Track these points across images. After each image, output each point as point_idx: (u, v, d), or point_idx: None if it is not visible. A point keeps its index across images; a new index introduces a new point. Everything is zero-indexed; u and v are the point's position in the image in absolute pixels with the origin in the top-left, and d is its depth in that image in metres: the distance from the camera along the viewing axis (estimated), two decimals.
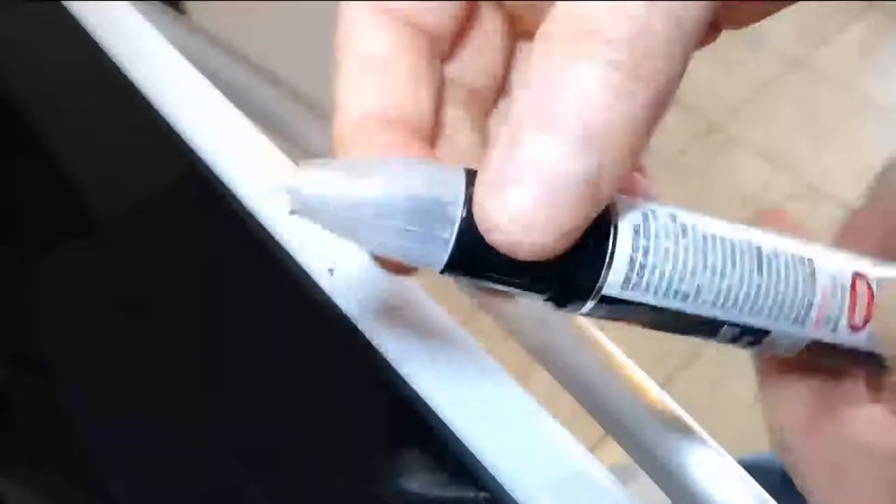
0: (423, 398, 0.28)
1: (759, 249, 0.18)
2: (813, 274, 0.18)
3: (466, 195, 0.16)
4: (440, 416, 0.27)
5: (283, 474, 0.28)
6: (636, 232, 0.17)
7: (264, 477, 0.28)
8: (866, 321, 0.19)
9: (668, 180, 1.36)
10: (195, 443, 0.30)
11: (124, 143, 0.40)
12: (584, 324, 0.32)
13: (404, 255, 0.17)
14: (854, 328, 0.19)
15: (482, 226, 0.15)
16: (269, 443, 0.29)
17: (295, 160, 0.35)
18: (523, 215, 0.15)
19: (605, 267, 0.17)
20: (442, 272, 0.17)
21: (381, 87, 0.18)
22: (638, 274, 0.17)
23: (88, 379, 0.33)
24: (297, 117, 0.44)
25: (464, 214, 0.16)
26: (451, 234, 0.16)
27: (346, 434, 0.29)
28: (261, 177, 0.35)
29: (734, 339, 0.19)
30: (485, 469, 0.26)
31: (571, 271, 0.17)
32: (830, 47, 1.55)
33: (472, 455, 0.26)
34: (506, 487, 0.25)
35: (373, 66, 0.18)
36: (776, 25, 1.55)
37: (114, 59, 0.41)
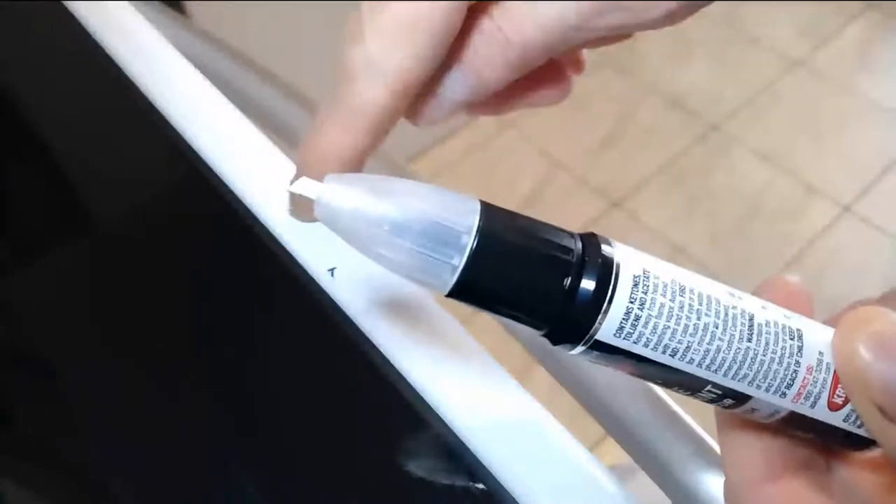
0: (424, 398, 0.28)
1: (751, 317, 0.18)
2: (801, 349, 0.18)
3: (479, 226, 0.17)
4: (440, 415, 0.27)
5: (284, 470, 0.28)
6: (635, 284, 0.17)
7: (264, 473, 0.28)
8: (846, 401, 0.19)
9: (668, 181, 1.36)
10: (196, 442, 0.30)
11: (125, 143, 0.40)
12: None
13: (412, 274, 0.18)
14: (833, 407, 0.19)
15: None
16: (270, 439, 0.29)
17: (296, 160, 0.35)
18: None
19: (600, 313, 0.17)
20: (447, 296, 0.18)
21: None
22: (632, 324, 0.17)
23: (89, 379, 0.33)
24: (297, 117, 0.44)
25: (475, 245, 0.17)
26: (460, 262, 0.17)
27: (346, 433, 0.29)
28: (261, 177, 0.35)
29: (715, 400, 0.19)
30: (485, 468, 0.26)
31: (569, 313, 0.17)
32: (830, 48, 1.55)
33: (472, 454, 0.26)
34: (506, 487, 0.25)
35: None
36: (775, 26, 1.55)
37: (114, 59, 0.41)
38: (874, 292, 0.20)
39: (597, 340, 0.18)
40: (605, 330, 0.17)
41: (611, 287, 0.17)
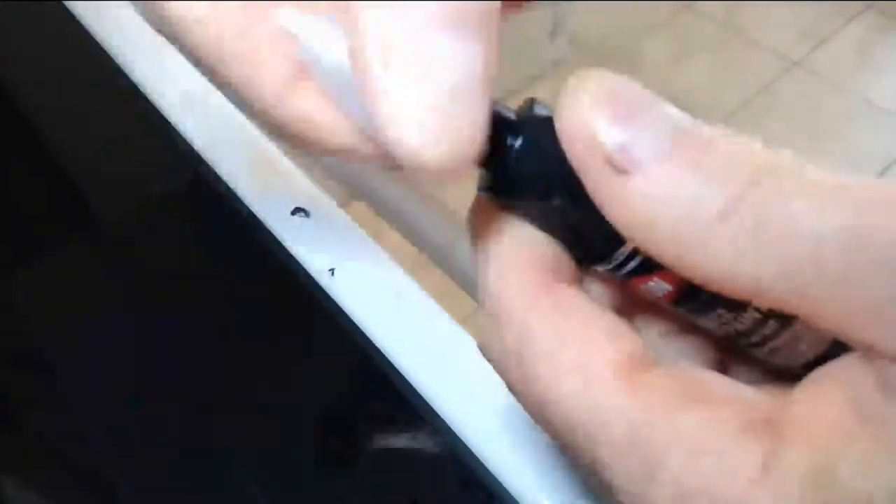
0: (424, 396, 0.28)
1: None
2: None
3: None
4: (440, 414, 0.27)
5: (283, 469, 0.28)
6: None
7: (264, 471, 0.28)
8: None
9: None
10: (196, 440, 0.30)
11: (125, 143, 0.40)
12: None
13: None
14: None
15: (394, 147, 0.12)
16: (269, 437, 0.29)
17: (296, 161, 0.36)
18: (423, 127, 0.12)
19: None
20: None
21: None
22: None
23: (90, 379, 0.33)
24: None
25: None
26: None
27: (346, 432, 0.29)
28: (261, 177, 0.35)
29: None
30: (490, 473, 0.26)
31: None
32: (828, 48, 1.55)
33: (474, 455, 0.26)
34: (506, 485, 0.26)
35: None
36: (774, 27, 1.55)
37: (114, 59, 0.41)
38: None
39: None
40: None
41: None
